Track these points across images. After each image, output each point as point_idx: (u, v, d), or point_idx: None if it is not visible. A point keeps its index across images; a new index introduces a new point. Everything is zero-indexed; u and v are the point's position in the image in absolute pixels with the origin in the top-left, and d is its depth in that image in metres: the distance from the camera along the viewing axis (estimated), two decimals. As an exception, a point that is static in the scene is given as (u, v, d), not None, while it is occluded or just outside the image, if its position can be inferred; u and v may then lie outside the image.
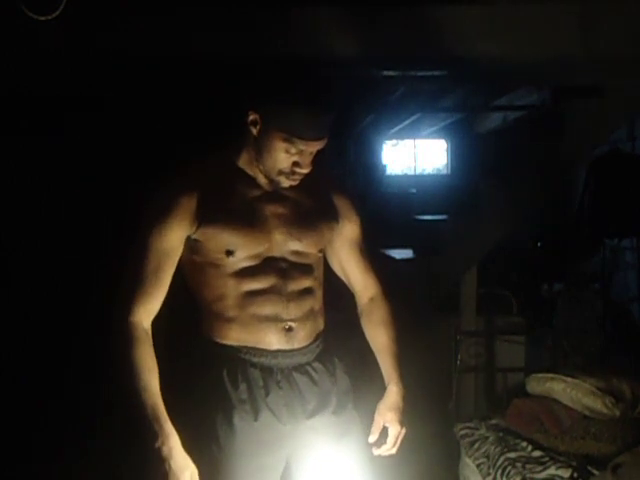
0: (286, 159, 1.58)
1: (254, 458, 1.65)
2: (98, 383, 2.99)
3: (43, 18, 2.06)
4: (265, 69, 1.68)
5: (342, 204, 1.80)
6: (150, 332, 1.62)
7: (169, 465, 1.54)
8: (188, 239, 1.63)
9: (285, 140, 1.55)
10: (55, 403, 3.09)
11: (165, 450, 1.55)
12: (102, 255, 3.03)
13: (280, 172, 1.61)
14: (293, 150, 1.57)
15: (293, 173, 1.61)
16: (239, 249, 1.62)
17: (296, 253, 1.68)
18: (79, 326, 3.14)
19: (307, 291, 1.70)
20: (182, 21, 2.62)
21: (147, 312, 1.61)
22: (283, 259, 1.66)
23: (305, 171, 1.61)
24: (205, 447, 1.64)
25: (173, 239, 1.61)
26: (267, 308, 1.64)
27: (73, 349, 3.19)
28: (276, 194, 1.68)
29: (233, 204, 1.64)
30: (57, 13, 2.06)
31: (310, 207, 1.72)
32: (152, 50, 2.61)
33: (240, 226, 1.62)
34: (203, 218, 1.61)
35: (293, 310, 1.66)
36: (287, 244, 1.67)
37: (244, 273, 1.64)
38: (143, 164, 3.23)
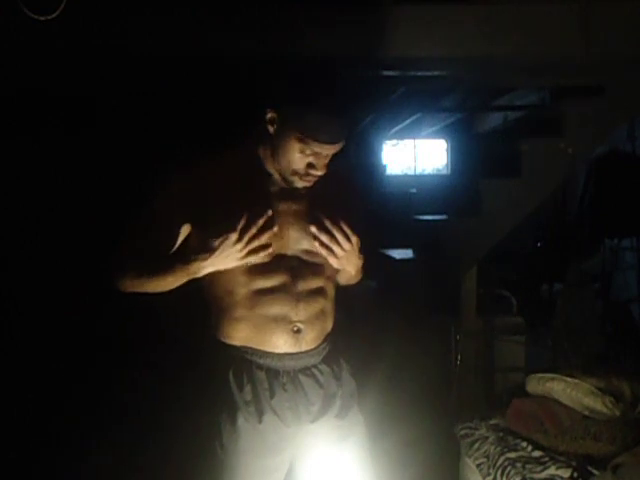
0: (301, 160, 1.58)
1: (257, 459, 1.65)
2: (101, 382, 3.00)
3: (43, 18, 2.06)
4: (285, 69, 1.67)
5: (353, 202, 1.79)
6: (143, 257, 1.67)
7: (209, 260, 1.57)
8: (197, 233, 1.64)
9: (300, 141, 1.55)
10: (57, 402, 3.09)
11: (197, 264, 1.58)
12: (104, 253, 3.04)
13: (294, 172, 1.60)
14: (308, 151, 1.56)
15: (307, 174, 1.60)
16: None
17: (308, 252, 1.67)
18: (83, 324, 3.14)
19: (318, 291, 1.68)
20: (182, 21, 2.62)
21: (138, 258, 1.68)
22: (295, 257, 1.65)
23: (319, 173, 1.61)
24: (209, 446, 1.64)
25: (174, 225, 1.64)
26: (276, 308, 1.63)
27: (77, 347, 3.19)
28: (291, 191, 1.67)
29: (247, 202, 1.63)
30: (57, 13, 2.06)
31: (324, 206, 1.70)
32: (152, 50, 2.61)
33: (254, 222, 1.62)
34: (215, 214, 1.61)
35: (302, 311, 1.65)
36: (300, 242, 1.66)
37: (255, 270, 1.63)
38: (142, 164, 3.23)
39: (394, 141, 5.51)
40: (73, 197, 3.33)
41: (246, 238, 1.56)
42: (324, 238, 1.63)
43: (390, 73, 3.02)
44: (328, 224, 1.62)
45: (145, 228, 1.68)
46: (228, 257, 1.57)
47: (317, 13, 2.62)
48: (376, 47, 2.69)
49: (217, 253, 1.56)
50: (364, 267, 1.77)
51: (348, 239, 1.63)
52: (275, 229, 1.61)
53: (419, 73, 3.00)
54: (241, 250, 1.56)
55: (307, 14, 2.61)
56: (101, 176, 3.32)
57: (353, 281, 1.84)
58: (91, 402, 3.03)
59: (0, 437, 2.88)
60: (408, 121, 4.72)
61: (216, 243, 1.56)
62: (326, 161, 1.60)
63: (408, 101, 3.99)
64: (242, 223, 1.56)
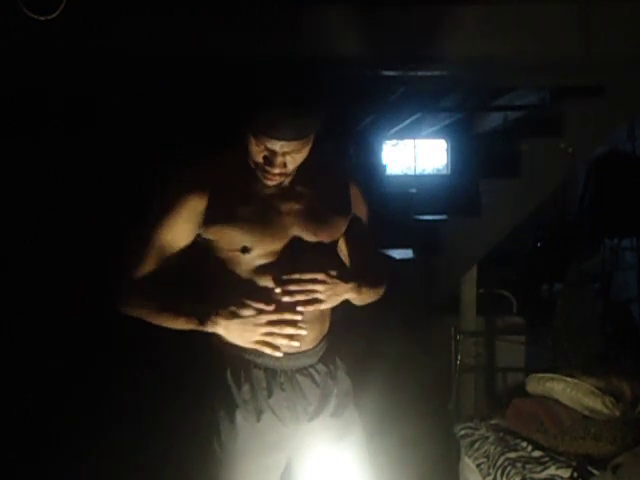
0: (257, 153, 1.56)
1: (256, 458, 1.65)
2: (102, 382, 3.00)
3: (43, 18, 2.07)
4: (250, 67, 1.65)
5: (355, 197, 1.78)
6: (146, 285, 1.64)
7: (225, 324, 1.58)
8: (201, 237, 1.63)
9: (253, 134, 1.53)
10: (57, 402, 3.10)
11: (211, 323, 1.58)
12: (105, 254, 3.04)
13: (256, 165, 1.59)
14: (262, 146, 1.54)
15: (265, 171, 1.58)
16: (255, 246, 1.61)
17: (310, 252, 1.66)
18: (84, 324, 3.14)
19: None
20: (182, 21, 2.62)
21: (141, 283, 1.65)
22: (297, 257, 1.64)
23: (276, 171, 1.57)
24: (207, 445, 1.65)
25: (177, 234, 1.62)
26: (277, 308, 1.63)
27: (77, 347, 3.19)
28: (292, 191, 1.66)
29: (249, 201, 1.63)
30: (57, 13, 2.06)
31: (326, 203, 1.70)
32: (152, 50, 2.61)
33: (256, 223, 1.61)
34: (216, 216, 1.60)
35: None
36: (303, 242, 1.65)
37: (257, 270, 1.62)
38: (142, 165, 3.23)
39: (394, 141, 5.52)
40: (73, 197, 3.33)
41: (268, 330, 1.58)
42: (298, 297, 1.60)
43: (390, 73, 3.02)
44: (294, 286, 1.59)
45: (149, 246, 1.64)
46: (244, 333, 1.58)
47: (317, 13, 2.63)
48: (376, 47, 2.69)
49: (237, 322, 1.57)
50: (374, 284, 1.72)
51: (318, 281, 1.59)
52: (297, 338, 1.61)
53: (419, 73, 3.00)
54: (259, 335, 1.58)
55: (307, 14, 2.61)
56: (101, 176, 3.32)
57: (371, 299, 1.75)
58: (91, 402, 3.03)
59: (0, 437, 2.88)
60: (408, 121, 4.73)
61: (243, 312, 1.57)
62: (283, 159, 1.56)
63: (408, 101, 4.00)
64: (276, 316, 1.58)
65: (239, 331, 1.58)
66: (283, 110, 1.48)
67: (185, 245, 1.64)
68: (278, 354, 1.60)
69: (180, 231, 1.62)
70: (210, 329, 1.59)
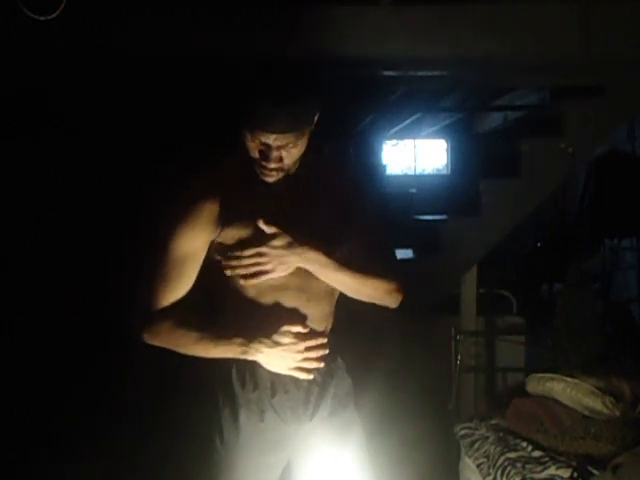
0: (253, 148, 1.54)
1: (257, 456, 1.66)
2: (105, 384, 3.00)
3: (43, 18, 2.07)
4: (247, 65, 1.63)
5: (358, 198, 1.75)
6: (174, 312, 1.61)
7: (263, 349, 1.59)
8: (214, 243, 1.61)
9: (248, 129, 1.52)
10: (57, 402, 3.09)
11: (243, 351, 1.59)
12: (108, 258, 3.04)
13: (254, 162, 1.57)
14: (257, 140, 1.52)
15: (262, 166, 1.56)
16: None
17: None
18: (90, 328, 3.14)
19: (327, 292, 1.67)
20: (182, 21, 2.62)
21: (168, 311, 1.62)
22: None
23: (272, 166, 1.55)
24: (209, 443, 1.65)
25: (196, 246, 1.60)
26: (286, 307, 1.64)
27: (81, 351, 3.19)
28: (297, 190, 1.65)
29: (255, 203, 1.62)
30: (57, 13, 2.06)
31: (332, 202, 1.69)
32: (152, 50, 2.61)
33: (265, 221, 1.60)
34: (227, 221, 1.60)
35: (311, 310, 1.65)
36: (306, 237, 1.63)
37: None
38: (142, 165, 3.23)
39: (394, 141, 5.53)
40: (73, 197, 3.33)
41: (305, 356, 1.61)
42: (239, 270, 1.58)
43: (390, 73, 3.02)
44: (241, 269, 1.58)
45: (170, 264, 1.60)
46: (284, 360, 1.61)
47: (317, 13, 2.63)
48: (376, 47, 2.70)
49: (279, 349, 1.59)
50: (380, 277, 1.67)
51: (261, 253, 1.57)
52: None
53: (419, 73, 3.01)
54: (297, 361, 1.61)
55: (307, 14, 2.61)
56: (101, 176, 3.32)
57: (355, 288, 1.68)
58: (91, 402, 3.03)
59: (0, 437, 2.88)
60: (408, 121, 4.73)
61: (284, 340, 1.59)
62: (279, 153, 1.54)
63: (408, 101, 4.00)
64: (313, 342, 1.62)
65: (279, 358, 1.60)
66: (274, 103, 1.46)
67: (203, 256, 1.62)
68: (311, 377, 1.64)
69: (199, 240, 1.60)
70: (251, 357, 1.60)
